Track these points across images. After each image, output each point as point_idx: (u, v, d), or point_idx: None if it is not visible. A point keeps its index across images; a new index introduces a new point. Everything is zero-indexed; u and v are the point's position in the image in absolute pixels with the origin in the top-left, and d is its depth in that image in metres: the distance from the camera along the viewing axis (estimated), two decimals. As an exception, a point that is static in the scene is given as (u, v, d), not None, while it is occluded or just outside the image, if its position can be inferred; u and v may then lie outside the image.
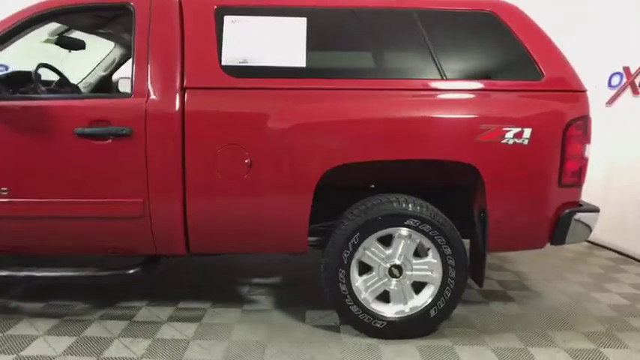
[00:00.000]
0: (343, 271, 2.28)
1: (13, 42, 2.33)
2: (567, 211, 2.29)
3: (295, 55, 2.24)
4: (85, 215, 2.22)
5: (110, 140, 2.16)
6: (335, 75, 2.26)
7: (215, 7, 2.29)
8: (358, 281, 2.33)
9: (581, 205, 2.35)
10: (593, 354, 2.25)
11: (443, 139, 2.19)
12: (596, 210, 2.34)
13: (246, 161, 2.18)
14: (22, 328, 2.37)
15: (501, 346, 2.30)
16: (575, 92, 2.27)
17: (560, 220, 2.30)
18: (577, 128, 2.24)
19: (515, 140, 2.18)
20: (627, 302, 2.88)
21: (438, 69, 2.25)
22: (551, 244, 2.37)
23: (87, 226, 2.26)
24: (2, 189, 2.20)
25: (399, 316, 2.34)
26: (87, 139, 2.16)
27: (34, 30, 2.36)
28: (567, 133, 2.22)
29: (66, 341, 2.26)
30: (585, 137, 2.27)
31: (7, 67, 4.22)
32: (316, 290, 2.64)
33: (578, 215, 2.30)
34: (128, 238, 2.30)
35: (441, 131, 2.19)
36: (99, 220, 2.24)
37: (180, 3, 2.30)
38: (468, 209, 2.52)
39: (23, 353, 2.14)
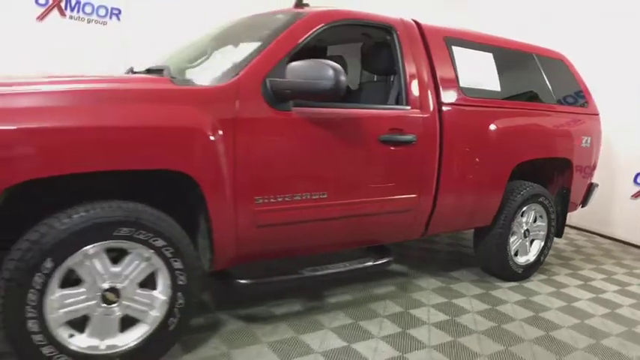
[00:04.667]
0: (506, 236, 3.24)
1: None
2: (592, 185, 3.83)
3: (494, 82, 3.04)
4: (380, 211, 2.52)
5: (401, 146, 2.53)
6: (514, 98, 3.15)
7: (444, 36, 2.86)
8: (516, 242, 3.32)
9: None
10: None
11: (563, 144, 3.39)
12: (597, 185, 3.95)
13: (476, 160, 2.89)
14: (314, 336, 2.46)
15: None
16: (597, 115, 3.79)
17: (590, 191, 3.82)
18: (600, 137, 3.77)
19: (586, 145, 3.56)
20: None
21: (554, 97, 3.42)
22: (582, 206, 3.88)
23: (377, 221, 2.55)
24: (322, 193, 2.29)
25: (527, 263, 3.44)
26: (386, 145, 2.47)
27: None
28: (598, 140, 3.73)
29: (389, 329, 2.52)
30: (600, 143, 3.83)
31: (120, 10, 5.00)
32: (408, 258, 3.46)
33: (596, 188, 3.87)
34: (398, 228, 2.69)
35: (563, 138, 3.38)
36: (387, 214, 2.57)
37: (420, 30, 2.77)
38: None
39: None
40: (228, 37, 2.89)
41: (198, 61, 2.95)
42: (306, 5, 2.60)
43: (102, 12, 5.13)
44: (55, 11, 4.81)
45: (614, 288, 3.47)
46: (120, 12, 5.22)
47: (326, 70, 2.01)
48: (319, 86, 2.01)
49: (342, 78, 2.02)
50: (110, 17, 5.18)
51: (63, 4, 4.85)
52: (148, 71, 2.47)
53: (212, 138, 1.92)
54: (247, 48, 2.41)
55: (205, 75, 2.26)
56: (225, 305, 2.62)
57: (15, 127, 1.56)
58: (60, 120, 1.64)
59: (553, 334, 2.63)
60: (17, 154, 1.57)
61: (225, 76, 2.08)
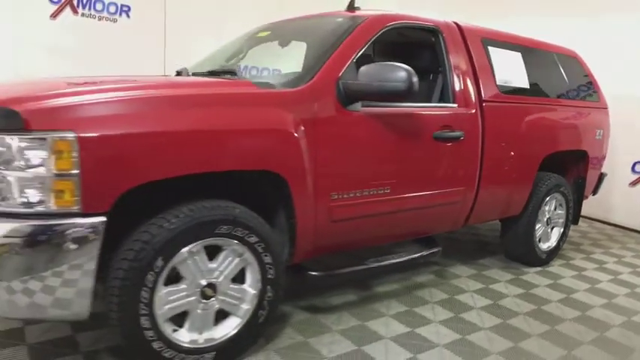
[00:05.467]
0: (533, 224, 3.44)
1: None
2: (602, 175, 4.09)
3: (524, 79, 3.22)
4: (433, 204, 2.67)
5: (451, 142, 2.68)
6: (540, 94, 3.34)
7: (481, 37, 3.01)
8: (540, 229, 3.54)
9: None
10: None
11: (582, 136, 3.61)
12: (606, 174, 4.20)
13: (511, 154, 3.07)
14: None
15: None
16: (606, 108, 4.03)
17: (600, 180, 4.08)
18: (609, 129, 4.02)
19: (599, 137, 3.81)
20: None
21: (572, 93, 3.63)
22: (593, 194, 4.13)
23: (430, 213, 2.70)
24: (386, 188, 2.42)
25: (549, 249, 3.66)
26: (439, 141, 2.61)
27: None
28: (608, 132, 3.98)
29: (442, 314, 2.67)
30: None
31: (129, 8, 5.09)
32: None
33: (605, 177, 4.12)
34: (446, 219, 2.85)
35: (582, 131, 3.61)
36: (438, 207, 2.72)
37: (461, 31, 2.91)
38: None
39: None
40: (275, 38, 2.97)
41: (234, 59, 3.04)
42: (358, 8, 2.71)
43: (112, 9, 5.12)
44: (68, 9, 4.76)
45: (628, 270, 3.74)
46: (129, 9, 5.20)
47: (399, 72, 2.12)
48: (393, 88, 2.13)
49: (415, 79, 2.15)
50: (120, 14, 5.16)
51: (75, 2, 4.80)
52: (211, 73, 2.53)
53: (299, 139, 2.02)
54: (307, 50, 2.52)
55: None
56: (286, 298, 2.71)
57: (141, 131, 1.64)
58: (180, 124, 1.71)
59: (589, 314, 2.85)
60: (142, 157, 1.65)
61: (301, 78, 2.17)
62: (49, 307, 1.65)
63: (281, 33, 2.98)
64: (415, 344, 2.33)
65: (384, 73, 2.14)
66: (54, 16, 4.67)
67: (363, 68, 2.19)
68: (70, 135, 1.55)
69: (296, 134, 2.02)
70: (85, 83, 1.97)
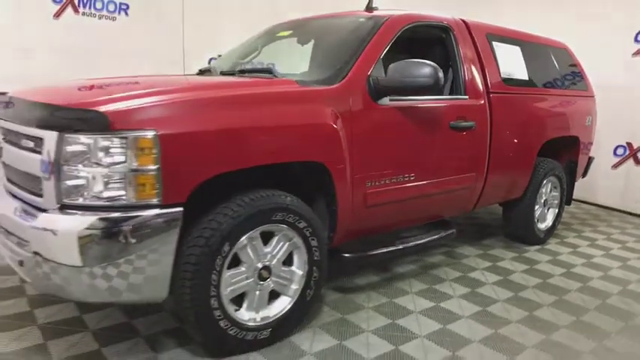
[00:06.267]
0: (533, 206, 3.72)
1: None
2: (591, 159, 4.40)
3: (523, 71, 3.47)
4: (450, 189, 2.89)
5: (464, 131, 2.90)
6: (537, 85, 3.61)
7: (486, 33, 3.24)
8: (538, 210, 3.82)
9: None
10: (602, 229, 4.51)
11: (574, 123, 3.90)
12: (594, 158, 4.52)
13: (515, 141, 3.32)
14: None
15: (577, 235, 4.28)
16: (593, 96, 4.33)
17: (589, 163, 4.39)
18: (596, 116, 4.33)
19: (588, 123, 4.11)
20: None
21: (564, 82, 3.91)
22: (582, 177, 4.45)
23: (447, 198, 2.93)
24: (411, 175, 2.63)
25: (546, 229, 3.96)
26: (455, 131, 2.84)
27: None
28: (595, 118, 4.29)
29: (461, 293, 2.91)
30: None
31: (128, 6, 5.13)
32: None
33: (593, 160, 4.44)
34: (459, 203, 3.09)
35: (574, 119, 3.89)
36: (454, 191, 2.95)
37: (467, 27, 3.14)
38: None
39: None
40: (296, 37, 3.14)
41: (250, 57, 3.20)
42: (375, 8, 2.89)
43: (111, 7, 5.17)
44: (70, 8, 4.80)
45: (617, 245, 4.07)
46: (128, 7, 5.26)
47: (425, 69, 2.33)
48: (421, 83, 2.33)
49: (441, 74, 2.35)
50: (119, 12, 5.22)
51: (76, 1, 4.84)
52: (242, 72, 2.68)
53: (339, 132, 2.21)
54: (333, 48, 2.70)
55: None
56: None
57: (214, 128, 1.80)
58: (246, 121, 1.89)
59: (589, 285, 3.14)
60: (216, 151, 1.82)
61: (336, 75, 2.35)
62: (131, 291, 1.79)
63: (303, 32, 3.14)
64: (443, 316, 2.56)
65: (412, 69, 2.34)
66: (57, 15, 4.70)
67: (392, 65, 2.38)
68: (151, 133, 1.70)
69: (338, 127, 2.20)
70: (155, 83, 2.11)
